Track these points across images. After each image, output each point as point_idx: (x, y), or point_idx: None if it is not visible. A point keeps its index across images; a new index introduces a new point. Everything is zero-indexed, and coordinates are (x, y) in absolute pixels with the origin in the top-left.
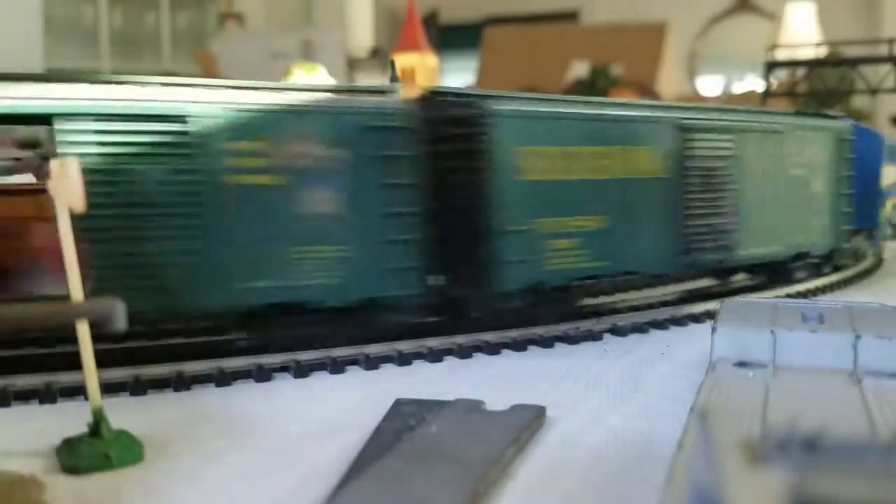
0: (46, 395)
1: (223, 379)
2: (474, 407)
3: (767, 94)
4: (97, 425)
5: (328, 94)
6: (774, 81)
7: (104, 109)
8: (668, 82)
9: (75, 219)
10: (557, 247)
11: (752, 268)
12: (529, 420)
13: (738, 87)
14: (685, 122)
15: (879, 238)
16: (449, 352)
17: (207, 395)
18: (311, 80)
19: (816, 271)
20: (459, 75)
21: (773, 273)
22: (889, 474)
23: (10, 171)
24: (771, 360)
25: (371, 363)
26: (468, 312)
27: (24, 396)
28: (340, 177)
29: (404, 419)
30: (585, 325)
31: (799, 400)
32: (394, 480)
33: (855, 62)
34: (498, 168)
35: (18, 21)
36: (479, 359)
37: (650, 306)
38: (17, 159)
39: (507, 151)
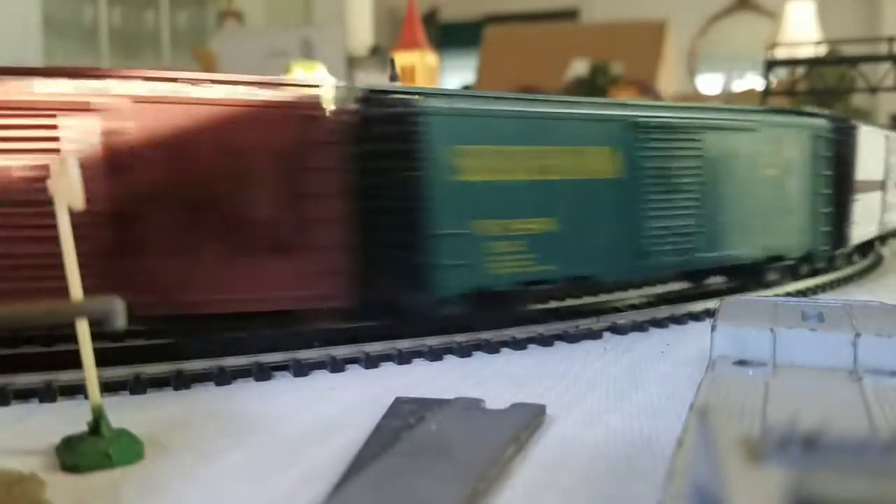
0: (46, 394)
1: (223, 377)
2: (474, 405)
3: (767, 93)
4: (97, 424)
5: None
6: (774, 80)
7: None
8: (668, 81)
9: None
10: (500, 250)
11: (725, 271)
12: (529, 418)
13: (738, 86)
14: (640, 120)
15: None
16: (449, 350)
17: (207, 394)
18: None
19: (792, 274)
20: (459, 74)
21: (746, 276)
22: (889, 473)
23: None
24: (771, 359)
25: (371, 361)
26: (405, 317)
27: (24, 395)
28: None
29: (404, 417)
30: (585, 323)
31: (798, 398)
32: (393, 479)
33: (855, 60)
34: (433, 168)
35: (18, 19)
36: (479, 357)
37: (650, 304)
38: None
39: (443, 151)
